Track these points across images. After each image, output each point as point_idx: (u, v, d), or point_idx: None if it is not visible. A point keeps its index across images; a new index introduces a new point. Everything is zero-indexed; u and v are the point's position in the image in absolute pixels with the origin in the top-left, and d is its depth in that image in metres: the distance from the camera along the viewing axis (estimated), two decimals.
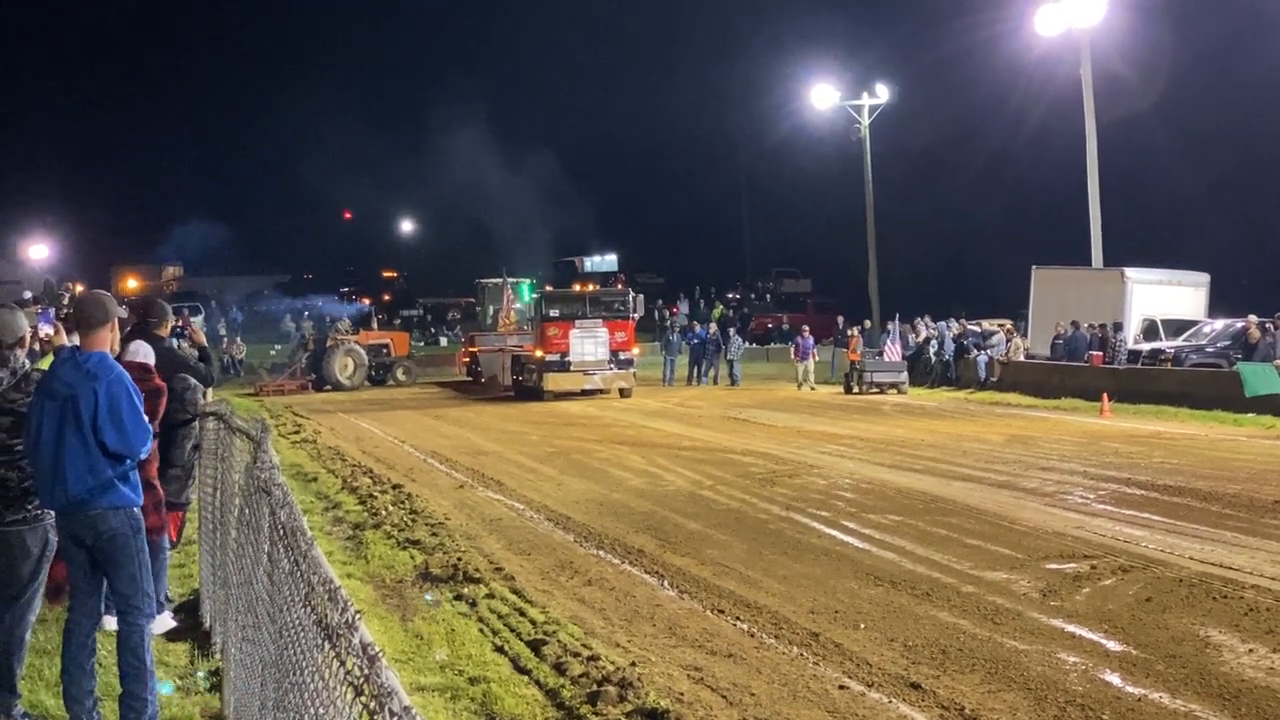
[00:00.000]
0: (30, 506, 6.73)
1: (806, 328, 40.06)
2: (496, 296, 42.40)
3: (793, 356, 39.14)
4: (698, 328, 43.83)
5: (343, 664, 2.75)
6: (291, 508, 4.18)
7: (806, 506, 14.40)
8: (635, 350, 34.88)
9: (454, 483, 17.29)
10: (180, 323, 20.09)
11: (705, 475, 17.25)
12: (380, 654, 2.45)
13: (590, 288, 38.01)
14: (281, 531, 4.10)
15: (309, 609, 3.37)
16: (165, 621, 8.91)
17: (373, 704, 2.36)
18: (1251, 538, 11.95)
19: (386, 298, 72.59)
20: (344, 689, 2.71)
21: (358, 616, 2.76)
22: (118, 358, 8.82)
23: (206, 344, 10.68)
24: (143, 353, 8.87)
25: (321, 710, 3.08)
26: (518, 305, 41.86)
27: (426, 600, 8.95)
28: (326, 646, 3.01)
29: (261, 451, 5.71)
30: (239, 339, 49.57)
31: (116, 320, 6.95)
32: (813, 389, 36.34)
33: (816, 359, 38.65)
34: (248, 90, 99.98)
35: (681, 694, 7.57)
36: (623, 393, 33.51)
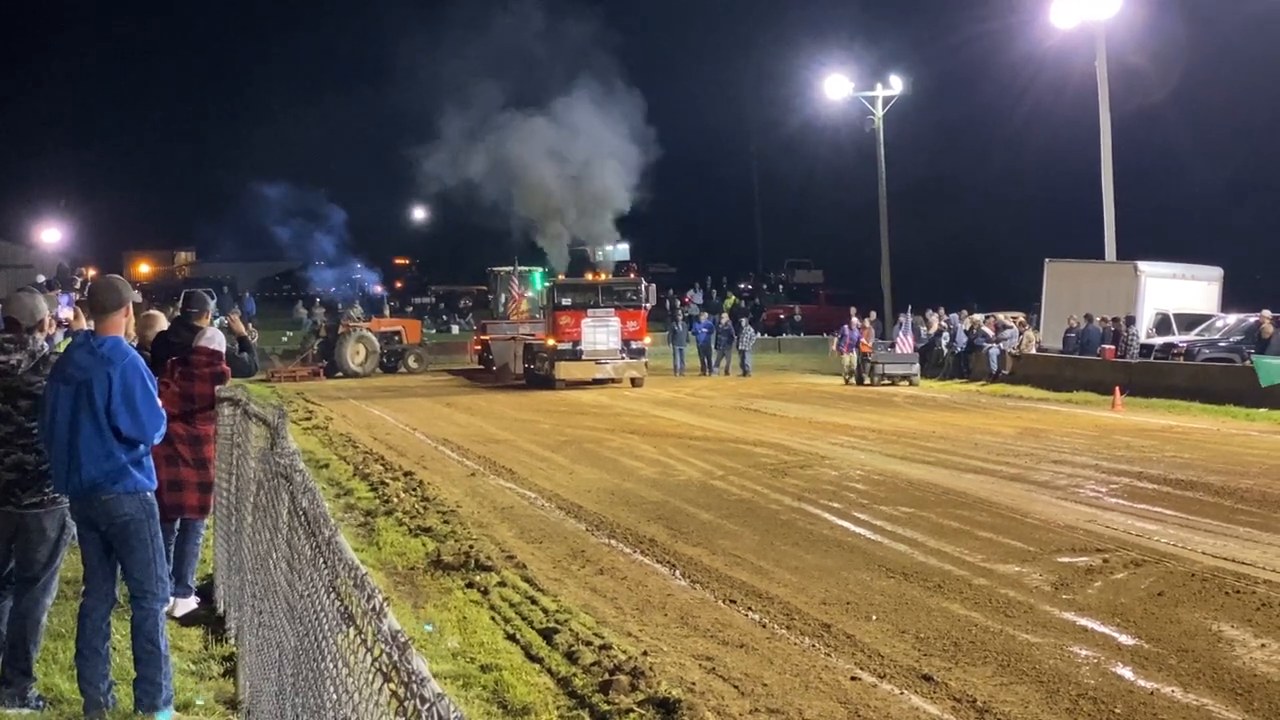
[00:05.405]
0: (47, 489, 6.77)
1: (855, 318, 36.89)
2: (507, 284, 42.48)
3: (834, 349, 37.12)
4: (705, 318, 43.67)
5: (370, 651, 2.76)
6: (314, 494, 4.19)
7: (818, 498, 14.40)
8: (647, 340, 34.81)
9: (465, 470, 17.32)
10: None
11: (717, 465, 17.26)
12: (410, 641, 2.46)
13: (603, 277, 37.95)
14: (303, 518, 4.12)
15: (332, 595, 3.38)
16: (189, 604, 8.96)
17: (402, 690, 2.37)
18: (1264, 533, 11.93)
19: (399, 284, 72.63)
20: (370, 675, 2.73)
21: (385, 603, 2.77)
22: (190, 343, 8.93)
23: (246, 333, 10.71)
24: (217, 340, 8.95)
25: (345, 696, 3.10)
26: (529, 294, 41.87)
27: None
28: (351, 633, 3.03)
29: (280, 438, 5.72)
30: (251, 325, 49.52)
31: (131, 305, 6.98)
32: (846, 383, 35.22)
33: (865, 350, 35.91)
34: (260, 74, 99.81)
35: (693, 683, 7.58)
36: (634, 382, 33.50)
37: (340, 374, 39.38)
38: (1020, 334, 35.55)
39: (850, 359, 35.79)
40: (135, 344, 8.13)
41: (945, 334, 36.64)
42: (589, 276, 38.15)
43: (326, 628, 3.52)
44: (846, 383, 35.25)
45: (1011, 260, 50.60)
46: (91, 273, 47.12)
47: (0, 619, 6.93)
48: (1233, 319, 30.71)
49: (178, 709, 6.77)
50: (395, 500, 14.29)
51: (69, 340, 8.06)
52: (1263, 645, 8.30)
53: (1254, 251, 49.14)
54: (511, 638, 8.66)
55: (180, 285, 53.94)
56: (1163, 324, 32.63)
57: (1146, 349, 30.70)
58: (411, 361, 41.85)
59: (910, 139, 55.51)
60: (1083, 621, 8.96)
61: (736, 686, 7.58)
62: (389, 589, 10.07)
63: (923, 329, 37.40)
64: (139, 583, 6.68)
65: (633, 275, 47.84)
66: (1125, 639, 8.53)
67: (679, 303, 57.72)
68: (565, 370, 33.14)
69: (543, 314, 36.71)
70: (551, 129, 41.76)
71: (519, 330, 38.54)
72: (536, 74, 43.65)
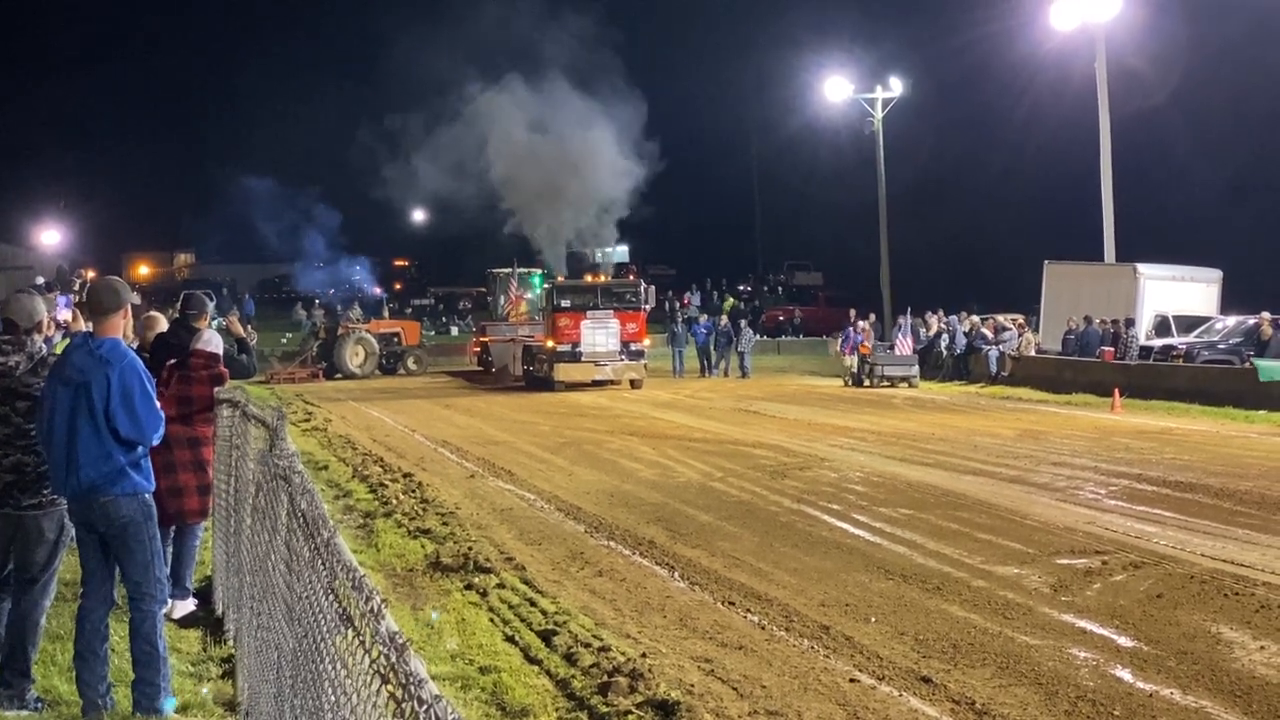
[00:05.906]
0: (46, 491, 6.77)
1: (858, 320, 36.79)
2: (506, 286, 42.48)
3: (838, 349, 36.97)
4: (704, 319, 43.61)
5: (368, 652, 2.76)
6: (312, 495, 4.19)
7: (817, 499, 14.40)
8: (646, 341, 34.79)
9: (465, 472, 17.32)
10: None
11: (716, 467, 17.26)
12: (409, 643, 2.46)
13: (602, 278, 37.93)
14: (302, 519, 4.12)
15: (331, 597, 3.38)
16: (187, 606, 8.96)
17: (400, 692, 2.38)
18: (1263, 535, 11.93)
19: (398, 286, 72.61)
20: (369, 676, 2.73)
21: (383, 605, 2.77)
22: (187, 345, 8.95)
23: (245, 335, 10.69)
24: (215, 342, 8.96)
25: (343, 697, 3.10)
26: (528, 296, 41.85)
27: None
28: (350, 634, 3.03)
29: (279, 439, 5.72)
30: (250, 326, 49.41)
31: (129, 307, 6.98)
32: (845, 385, 35.10)
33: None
34: (260, 75, 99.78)
35: (692, 685, 7.58)
36: (634, 384, 33.50)
37: (339, 376, 39.39)
38: (1019, 336, 35.55)
39: (851, 361, 35.65)
40: (135, 345, 8.14)
41: (944, 336, 36.60)
42: (588, 278, 38.17)
43: (325, 629, 3.52)
44: (846, 384, 35.16)
45: (1011, 261, 50.54)
46: (90, 274, 47.07)
47: None
48: (1232, 321, 30.75)
49: (176, 711, 6.76)
50: (394, 502, 14.28)
51: (67, 342, 8.06)
52: (1262, 647, 8.29)
53: (1254, 252, 49.05)
54: (510, 639, 8.65)
55: (179, 287, 53.95)
56: (1162, 326, 32.66)
57: (1146, 351, 30.71)
58: (410, 363, 41.85)
59: (910, 141, 55.54)
60: (1082, 623, 8.96)
61: (735, 688, 7.57)
62: (387, 591, 10.06)
63: (922, 331, 37.39)
64: (137, 585, 6.68)
65: (632, 277, 47.79)
66: (1124, 641, 8.53)
67: (678, 304, 57.71)
68: (564, 372, 33.13)
69: (542, 316, 36.69)
70: (535, 101, 41.74)
71: (518, 332, 38.54)
72: (535, 75, 43.60)
